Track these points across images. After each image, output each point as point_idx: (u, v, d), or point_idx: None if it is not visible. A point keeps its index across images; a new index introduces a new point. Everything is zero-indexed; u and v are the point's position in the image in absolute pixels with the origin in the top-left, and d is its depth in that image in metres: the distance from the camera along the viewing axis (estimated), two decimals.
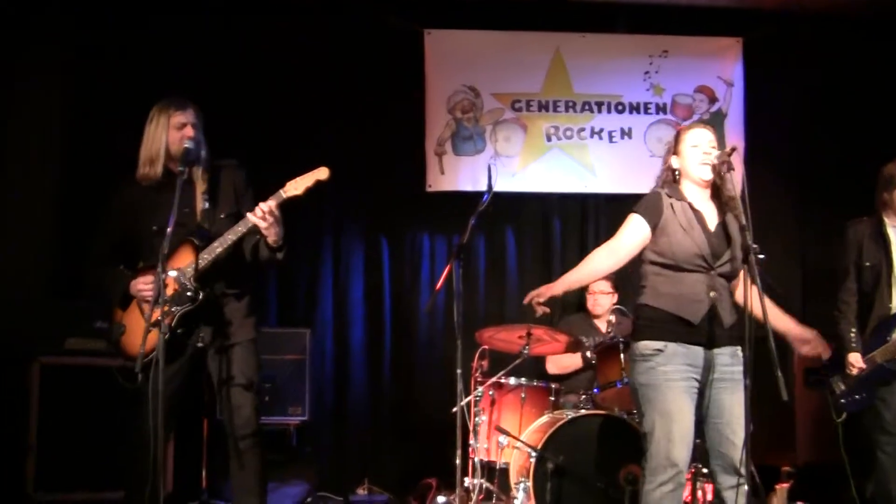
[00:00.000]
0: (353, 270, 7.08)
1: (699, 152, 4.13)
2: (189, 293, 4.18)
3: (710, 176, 4.12)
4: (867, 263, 5.35)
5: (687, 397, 3.99)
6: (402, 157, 7.11)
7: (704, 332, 4.02)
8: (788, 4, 7.19)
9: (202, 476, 5.95)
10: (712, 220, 4.15)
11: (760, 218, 6.78)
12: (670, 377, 3.98)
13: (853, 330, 5.37)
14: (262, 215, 4.15)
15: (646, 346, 4.05)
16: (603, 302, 6.28)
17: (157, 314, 3.95)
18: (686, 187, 4.19)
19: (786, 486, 6.24)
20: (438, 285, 5.65)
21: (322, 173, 4.25)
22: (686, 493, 5.77)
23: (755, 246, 3.87)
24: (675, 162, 4.22)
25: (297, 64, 6.99)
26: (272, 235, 4.24)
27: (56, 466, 5.57)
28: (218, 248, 4.23)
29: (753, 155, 7.22)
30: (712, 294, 4.03)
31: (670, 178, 4.23)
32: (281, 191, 4.23)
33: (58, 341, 5.75)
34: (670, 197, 4.14)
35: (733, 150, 4.07)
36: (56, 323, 5.82)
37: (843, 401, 5.43)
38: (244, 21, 6.93)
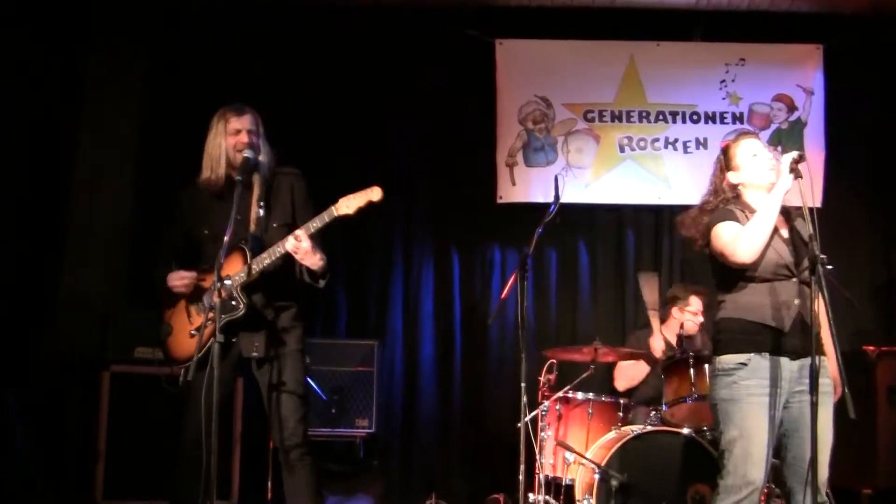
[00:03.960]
0: (423, 282, 7.05)
1: (761, 160, 4.01)
2: (234, 301, 4.19)
3: (776, 179, 3.97)
4: None
5: (766, 414, 3.85)
6: (474, 169, 7.08)
7: (789, 342, 3.87)
8: (870, 9, 6.94)
9: (268, 487, 5.95)
10: (782, 228, 4.00)
11: (840, 228, 6.74)
12: (752, 392, 3.85)
13: None
14: (294, 246, 4.17)
15: (729, 360, 3.92)
16: (691, 323, 6.10)
17: (199, 320, 3.99)
18: (751, 198, 4.05)
19: None
20: (504, 293, 5.60)
21: (375, 194, 4.23)
22: None
23: (823, 257, 3.73)
24: (733, 177, 4.08)
25: (368, 73, 7.02)
26: (309, 264, 4.25)
27: (124, 474, 5.63)
28: (266, 259, 4.23)
29: (834, 165, 7.05)
30: (796, 302, 3.89)
31: (730, 196, 4.08)
32: (333, 207, 4.23)
33: (128, 350, 5.83)
34: (741, 210, 4.02)
35: (801, 156, 3.92)
36: (128, 332, 5.89)
37: None
38: (315, 27, 6.98)
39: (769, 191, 3.96)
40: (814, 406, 3.64)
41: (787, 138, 7.12)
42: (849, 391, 3.65)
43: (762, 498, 5.51)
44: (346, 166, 6.67)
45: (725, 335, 3.99)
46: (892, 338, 6.52)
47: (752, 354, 3.86)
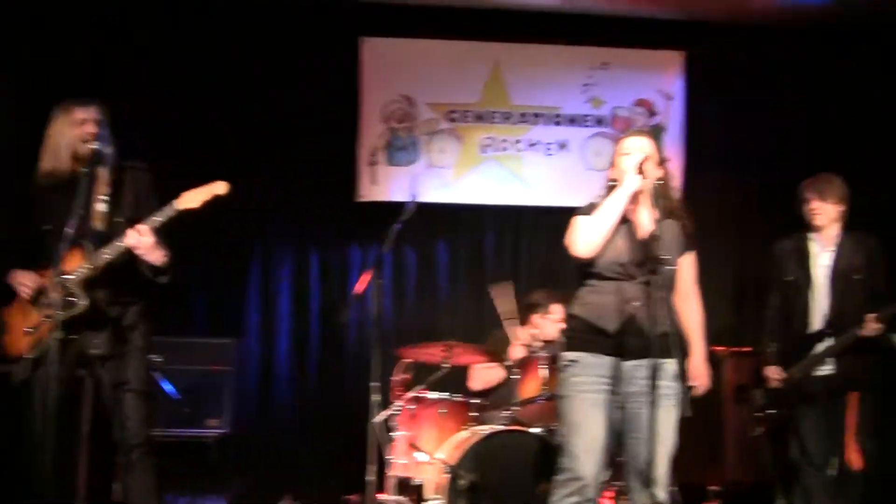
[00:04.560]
0: (281, 280, 6.95)
1: (627, 160, 4.02)
2: (73, 298, 4.03)
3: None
4: (788, 279, 5.30)
5: (597, 411, 3.88)
6: (335, 167, 7.00)
7: (622, 343, 3.89)
8: (729, 17, 7.11)
9: (114, 488, 5.75)
10: (646, 227, 4.01)
11: (699, 230, 6.86)
12: (582, 388, 3.89)
13: (774, 344, 5.32)
14: (135, 240, 4.05)
15: (565, 356, 3.98)
16: (551, 329, 6.09)
17: (37, 317, 3.83)
18: None
19: None
20: (357, 288, 5.53)
21: (220, 188, 4.16)
22: None
23: (667, 257, 3.80)
24: (612, 173, 4.12)
25: (228, 65, 6.87)
26: (151, 259, 4.14)
27: None
28: (107, 254, 4.09)
29: (693, 169, 7.18)
30: (635, 304, 3.90)
31: (608, 192, 4.09)
32: (175, 202, 4.13)
33: None
34: None
35: (646, 157, 3.95)
36: None
37: (759, 415, 5.39)
38: (176, 25, 6.82)
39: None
40: (651, 406, 3.70)
41: None
42: (687, 389, 3.76)
43: (611, 495, 5.61)
44: (203, 161, 6.47)
45: (567, 332, 4.05)
46: (742, 339, 6.67)
47: (583, 353, 3.90)
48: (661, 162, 4.04)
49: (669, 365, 3.87)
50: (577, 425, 3.87)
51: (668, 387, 3.85)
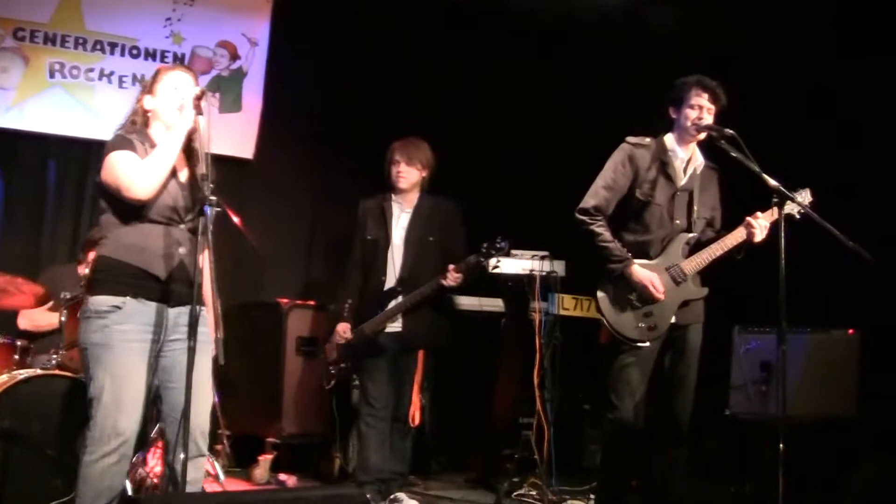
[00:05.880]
0: None
1: (176, 96, 3.81)
2: None
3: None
4: (368, 237, 5.49)
5: (142, 361, 3.72)
6: None
7: (169, 289, 3.75)
8: None
9: None
10: (181, 170, 3.87)
11: (270, 183, 6.91)
12: (128, 338, 3.68)
13: (349, 301, 5.46)
14: None
15: (102, 301, 3.69)
16: None
17: None
18: (156, 131, 3.86)
19: (269, 456, 6.19)
20: None
21: None
22: (153, 465, 5.57)
23: (213, 198, 3.62)
24: (147, 102, 3.89)
25: None
26: None
27: None
28: None
29: (271, 118, 7.17)
30: (181, 250, 3.78)
31: (140, 122, 3.88)
32: None
33: None
34: (142, 143, 3.81)
35: (203, 91, 3.81)
36: None
37: (331, 370, 5.54)
38: None
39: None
40: (191, 351, 3.54)
41: (226, 86, 7.12)
42: (222, 337, 3.69)
43: (160, 446, 5.48)
44: None
45: (101, 275, 3.77)
46: (306, 292, 6.80)
47: (128, 298, 3.70)
48: (202, 95, 3.81)
49: (205, 312, 3.82)
50: (120, 377, 3.66)
51: (204, 333, 3.77)
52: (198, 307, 3.62)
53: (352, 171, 6.98)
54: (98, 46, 6.73)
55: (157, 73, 3.95)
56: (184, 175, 3.88)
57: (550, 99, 7.64)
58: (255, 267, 6.90)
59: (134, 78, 6.78)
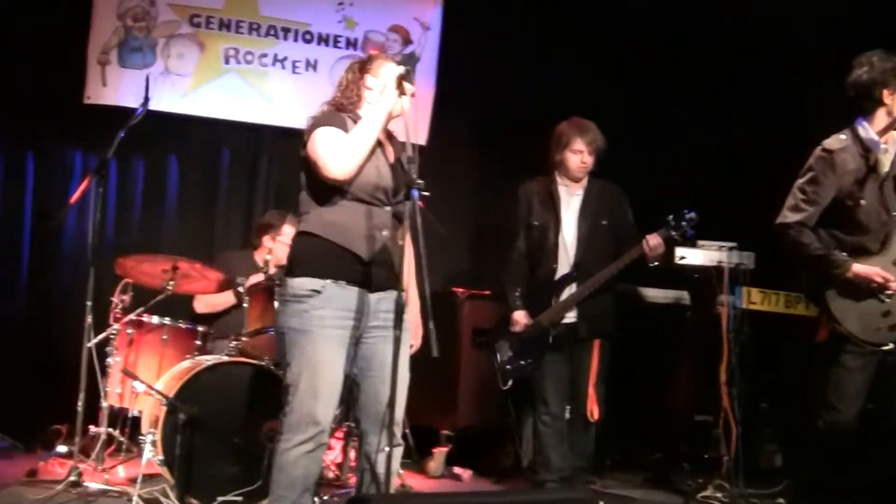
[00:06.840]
0: None
1: (395, 90, 3.63)
2: None
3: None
4: (535, 223, 5.26)
5: (339, 349, 3.59)
6: (61, 62, 6.29)
7: (371, 273, 3.61)
8: None
9: None
10: (390, 153, 3.75)
11: (441, 169, 6.74)
12: (326, 323, 3.54)
13: (519, 289, 5.26)
14: None
15: (301, 284, 3.56)
16: (283, 252, 5.72)
17: None
18: (366, 112, 3.73)
19: (444, 449, 6.05)
20: (74, 197, 5.03)
21: None
22: (337, 454, 5.50)
23: (420, 181, 3.47)
24: (371, 82, 3.76)
25: None
26: None
27: None
28: None
29: (443, 103, 7.01)
30: (385, 232, 3.65)
31: (355, 100, 3.75)
32: None
33: None
34: (354, 121, 3.69)
35: (408, 71, 3.64)
36: None
37: (508, 367, 5.34)
38: None
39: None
40: (397, 342, 3.39)
41: None
42: (434, 329, 3.44)
43: (341, 437, 5.41)
44: None
45: (301, 255, 3.65)
46: (481, 281, 6.61)
47: (328, 281, 3.57)
48: (406, 75, 3.66)
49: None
50: (318, 365, 3.53)
51: (406, 321, 3.57)
52: (401, 293, 3.46)
53: (518, 160, 6.76)
54: (272, 32, 6.70)
55: (375, 57, 3.85)
56: (391, 157, 3.75)
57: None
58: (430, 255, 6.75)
59: (307, 63, 6.73)
